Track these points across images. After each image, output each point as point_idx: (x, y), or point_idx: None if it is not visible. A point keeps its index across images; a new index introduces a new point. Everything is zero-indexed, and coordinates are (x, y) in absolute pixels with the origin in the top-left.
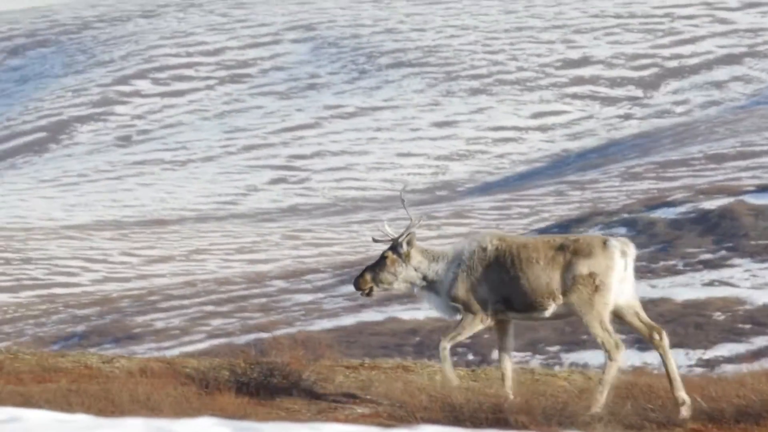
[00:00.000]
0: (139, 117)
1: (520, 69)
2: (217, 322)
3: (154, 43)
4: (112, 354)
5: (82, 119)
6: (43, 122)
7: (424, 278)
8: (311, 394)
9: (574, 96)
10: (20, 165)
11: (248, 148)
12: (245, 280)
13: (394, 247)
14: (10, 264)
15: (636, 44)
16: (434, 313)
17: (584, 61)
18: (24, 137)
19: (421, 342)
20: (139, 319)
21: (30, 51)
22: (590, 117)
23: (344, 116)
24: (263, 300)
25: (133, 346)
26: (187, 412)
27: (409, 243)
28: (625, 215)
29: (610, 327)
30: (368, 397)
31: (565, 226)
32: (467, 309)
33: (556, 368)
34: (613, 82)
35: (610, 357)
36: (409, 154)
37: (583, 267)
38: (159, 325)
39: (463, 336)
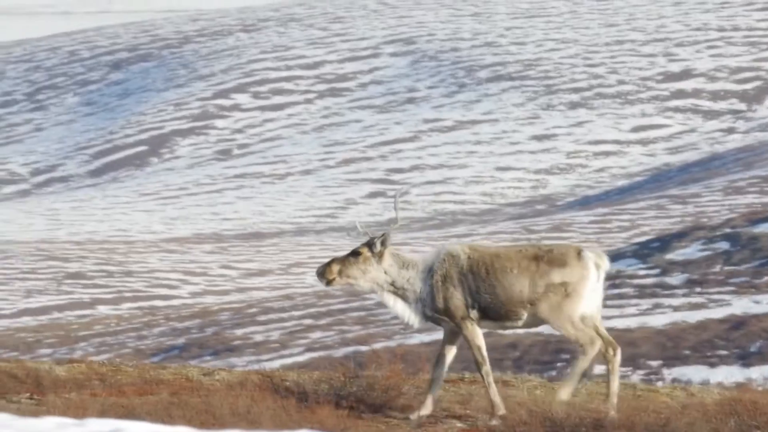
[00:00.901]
0: (239, 131)
1: (621, 82)
2: (315, 335)
3: (254, 57)
4: (212, 366)
5: (183, 133)
6: (144, 136)
7: (392, 283)
8: (410, 408)
9: (676, 110)
10: (122, 178)
11: (347, 162)
12: (344, 293)
13: (370, 244)
14: (112, 277)
15: (739, 57)
16: (534, 328)
17: (686, 75)
18: (126, 151)
19: (520, 357)
20: (238, 331)
21: (132, 65)
22: (692, 131)
23: (443, 130)
24: (362, 313)
25: (232, 359)
26: (286, 425)
27: (383, 243)
28: (728, 230)
29: (580, 324)
30: (468, 411)
31: (665, 240)
32: (453, 318)
33: (658, 384)
34: (716, 96)
35: (584, 351)
36: (508, 168)
37: (556, 276)
38: (258, 338)
39: (484, 348)
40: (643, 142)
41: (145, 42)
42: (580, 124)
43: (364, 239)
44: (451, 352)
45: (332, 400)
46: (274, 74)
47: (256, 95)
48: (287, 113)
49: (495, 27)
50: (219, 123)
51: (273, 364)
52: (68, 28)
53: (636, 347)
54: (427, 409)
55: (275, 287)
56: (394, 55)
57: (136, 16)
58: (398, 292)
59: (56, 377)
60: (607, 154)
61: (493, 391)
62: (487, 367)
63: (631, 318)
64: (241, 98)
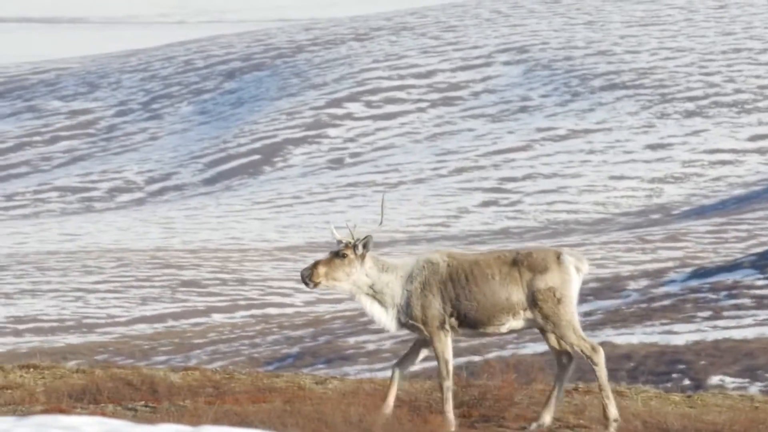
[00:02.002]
0: (351, 140)
1: (738, 91)
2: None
3: (367, 66)
4: (325, 375)
5: (296, 142)
6: (257, 145)
7: (372, 286)
8: (524, 418)
9: None
10: (236, 187)
11: (459, 171)
12: None
13: (353, 246)
14: (226, 285)
15: None
16: (648, 338)
17: None
18: (239, 159)
19: (635, 367)
20: (351, 340)
21: (245, 75)
22: None
23: (556, 139)
24: None
25: (345, 367)
26: None
27: (365, 246)
28: None
29: (582, 333)
30: (582, 421)
31: None
32: (427, 325)
33: None
34: None
35: (592, 362)
36: (622, 177)
37: (540, 282)
38: (370, 347)
39: (451, 363)
40: (761, 151)
41: (258, 51)
42: (695, 133)
43: (347, 240)
44: (414, 361)
45: None
46: (386, 83)
47: (368, 104)
48: (399, 122)
49: (609, 35)
50: (331, 132)
51: (385, 373)
52: (183, 38)
53: (754, 358)
54: (387, 407)
55: None
56: (507, 63)
57: (249, 26)
58: (376, 296)
59: (171, 384)
60: (723, 163)
61: (449, 407)
62: (449, 383)
63: (749, 329)
64: (354, 107)
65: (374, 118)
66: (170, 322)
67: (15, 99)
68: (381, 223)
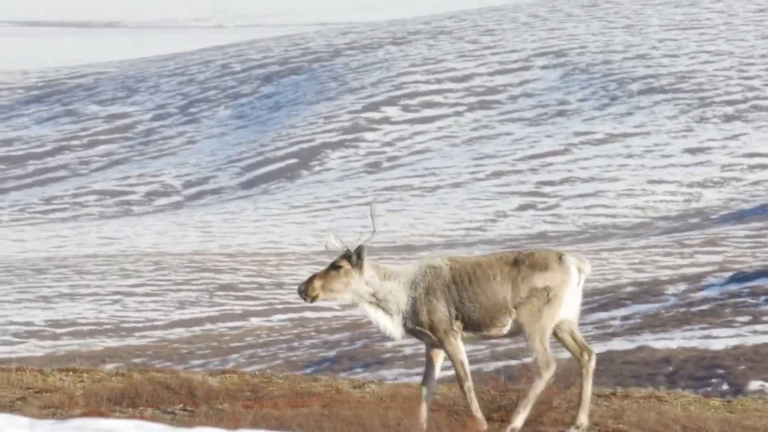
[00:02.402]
0: (389, 143)
1: None
2: (466, 348)
3: (404, 70)
4: (363, 379)
5: (333, 146)
6: (295, 149)
7: (374, 294)
8: (562, 422)
9: None
10: (273, 191)
11: (497, 175)
12: None
13: (348, 257)
14: (263, 288)
15: None
16: (687, 343)
17: None
18: (277, 163)
19: (674, 372)
20: (389, 344)
21: (283, 78)
22: None
23: (594, 143)
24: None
25: (382, 372)
26: None
27: (359, 255)
28: None
29: (547, 344)
30: (620, 426)
31: None
32: (435, 331)
33: None
34: None
35: (539, 373)
36: (660, 181)
37: (538, 280)
38: (408, 351)
39: (467, 363)
40: None
41: (296, 55)
42: (735, 137)
43: (342, 251)
44: (436, 372)
45: (483, 413)
46: (424, 87)
47: (406, 108)
48: (437, 126)
49: (647, 39)
50: (369, 136)
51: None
52: (221, 42)
53: None
54: (421, 417)
55: None
56: (545, 67)
57: (287, 30)
58: (380, 303)
59: (209, 388)
60: (763, 167)
61: (475, 406)
62: (469, 383)
63: None
64: (391, 111)
65: (412, 122)
66: (208, 326)
67: (53, 103)
68: (374, 231)
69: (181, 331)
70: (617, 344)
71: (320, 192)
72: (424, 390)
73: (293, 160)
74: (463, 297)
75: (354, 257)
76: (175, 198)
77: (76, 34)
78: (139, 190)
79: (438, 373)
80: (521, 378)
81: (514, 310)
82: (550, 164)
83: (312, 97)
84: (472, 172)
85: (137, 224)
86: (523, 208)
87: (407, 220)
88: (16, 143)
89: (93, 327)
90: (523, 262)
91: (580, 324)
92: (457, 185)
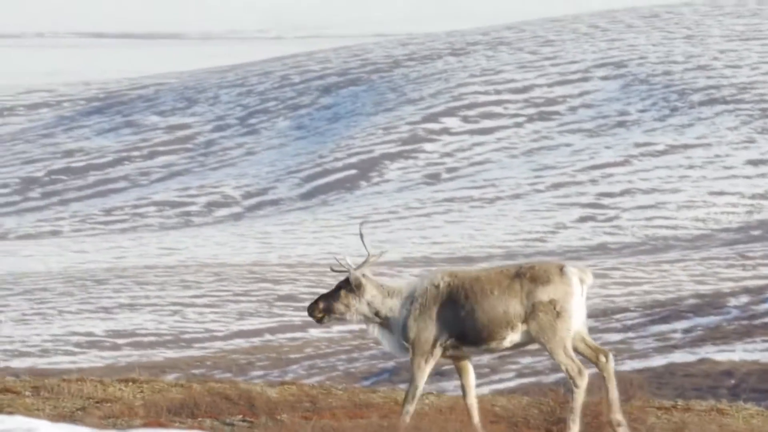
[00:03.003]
0: (448, 155)
1: None
2: (526, 360)
3: (463, 81)
4: (422, 391)
5: (392, 157)
6: (353, 160)
7: (377, 313)
8: None
9: None
10: (332, 202)
11: (556, 186)
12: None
13: (348, 279)
14: None
15: None
16: (749, 355)
17: None
18: (335, 174)
19: (736, 384)
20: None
21: (342, 90)
22: None
23: (654, 154)
24: None
25: (442, 383)
26: None
27: (356, 278)
28: None
29: (572, 353)
30: None
31: None
32: (415, 348)
33: None
34: None
35: (574, 383)
36: (722, 193)
37: (542, 294)
38: None
39: (420, 390)
40: None
41: (355, 66)
42: None
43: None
44: (470, 379)
45: (542, 425)
46: (483, 98)
47: (465, 119)
48: (496, 137)
49: (708, 50)
50: (428, 147)
51: (482, 389)
52: (280, 53)
53: None
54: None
55: None
56: (604, 78)
57: (346, 41)
58: (383, 322)
59: (268, 399)
60: None
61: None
62: (411, 408)
63: None
64: (450, 122)
65: (471, 133)
66: (267, 337)
67: (114, 114)
68: (369, 253)
69: (240, 342)
70: (678, 357)
71: (379, 203)
72: (468, 401)
73: (352, 171)
74: (458, 313)
75: (352, 279)
76: (235, 209)
77: (138, 46)
78: (199, 201)
79: (473, 380)
80: None
81: (518, 324)
82: (610, 175)
83: (371, 109)
84: (532, 184)
85: (197, 235)
86: (583, 219)
87: (466, 231)
88: (77, 154)
89: (153, 338)
90: (524, 276)
91: (641, 336)
92: (516, 196)
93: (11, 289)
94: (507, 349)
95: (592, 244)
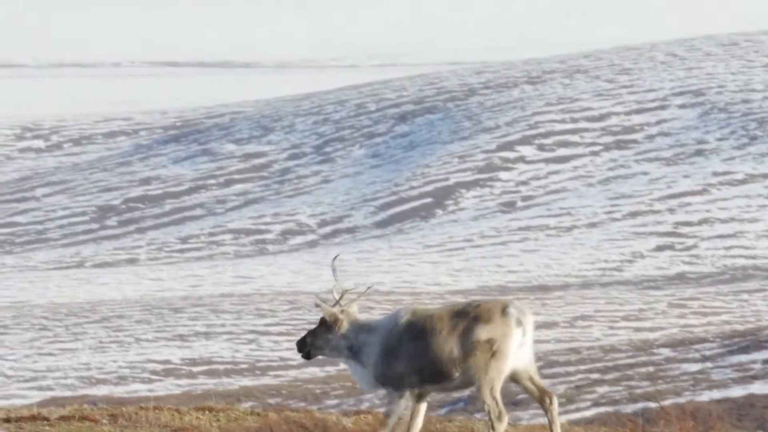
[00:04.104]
0: (524, 183)
1: None
2: (602, 389)
3: (539, 109)
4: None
5: (468, 185)
6: (429, 188)
7: (350, 348)
8: None
9: None
10: (407, 230)
11: (633, 215)
12: (631, 348)
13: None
14: None
15: None
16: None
17: None
18: (411, 203)
19: None
20: None
21: (417, 118)
22: None
23: (733, 183)
24: (650, 369)
25: (517, 412)
26: None
27: (330, 315)
28: None
29: (498, 396)
30: None
31: None
32: (387, 385)
33: None
34: None
35: (492, 426)
36: None
37: (482, 333)
38: None
39: (392, 421)
40: None
41: (430, 94)
42: None
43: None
44: (418, 416)
45: None
46: (559, 126)
47: (541, 147)
48: (572, 165)
49: None
50: (503, 175)
51: (560, 418)
52: (355, 82)
53: None
54: None
55: (560, 340)
56: (682, 107)
57: (422, 69)
58: (356, 357)
59: (344, 428)
60: None
61: None
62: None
63: None
64: (526, 150)
65: (547, 161)
66: (342, 366)
67: (190, 143)
68: (341, 289)
69: (315, 371)
70: (758, 387)
71: (455, 231)
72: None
73: (428, 200)
74: (414, 351)
75: (327, 315)
76: (310, 237)
77: (214, 74)
78: (274, 229)
79: (420, 423)
80: (659, 420)
81: (461, 363)
82: (688, 204)
83: (446, 137)
84: (609, 212)
85: (272, 263)
86: (661, 248)
87: (542, 260)
88: (154, 182)
89: (228, 366)
90: (468, 314)
91: (719, 366)
92: (593, 225)
93: (88, 317)
94: (461, 387)
95: (670, 273)
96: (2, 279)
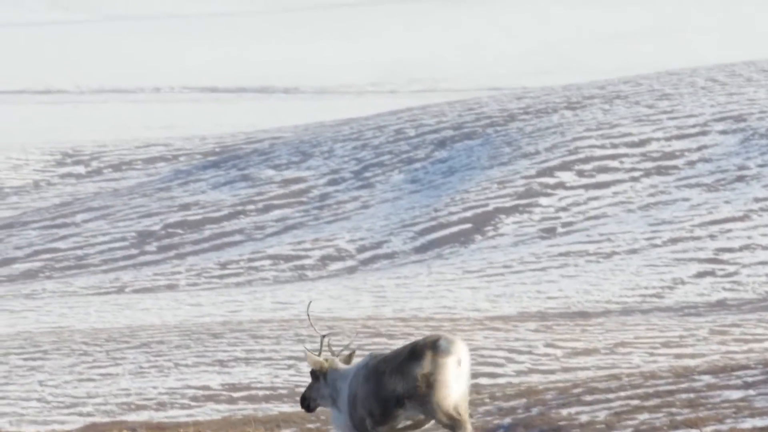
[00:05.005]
0: (563, 209)
1: None
2: (643, 416)
3: (579, 134)
4: None
5: (507, 211)
6: (468, 213)
7: (330, 395)
8: None
9: None
10: (447, 255)
11: (674, 241)
12: (672, 374)
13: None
14: None
15: None
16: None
17: None
18: (450, 228)
19: None
20: (564, 411)
21: (457, 143)
22: None
23: None
24: (691, 395)
25: None
26: None
27: (314, 363)
28: None
29: (455, 412)
30: None
31: None
32: (359, 427)
33: None
34: None
35: None
36: None
37: (417, 368)
38: (584, 418)
39: None
40: None
41: (469, 120)
42: None
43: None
44: None
45: None
46: (599, 152)
47: (580, 173)
48: (612, 191)
49: None
50: (543, 201)
51: None
52: (395, 107)
53: None
54: None
55: (601, 367)
56: (723, 132)
57: (461, 95)
58: (335, 404)
59: None
60: None
61: None
62: None
63: None
64: (566, 176)
65: (586, 187)
66: None
67: (230, 168)
68: (320, 336)
69: None
70: None
71: (494, 257)
72: None
73: (467, 225)
74: (365, 393)
75: (310, 365)
76: (349, 262)
77: (253, 100)
78: (313, 255)
79: None
80: None
81: (407, 401)
82: (729, 231)
83: (486, 162)
84: (649, 238)
85: (311, 289)
86: (702, 275)
87: (582, 287)
88: (193, 208)
89: (268, 392)
90: (404, 353)
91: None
92: (633, 251)
93: (128, 342)
94: (412, 428)
95: (711, 300)
96: (42, 304)
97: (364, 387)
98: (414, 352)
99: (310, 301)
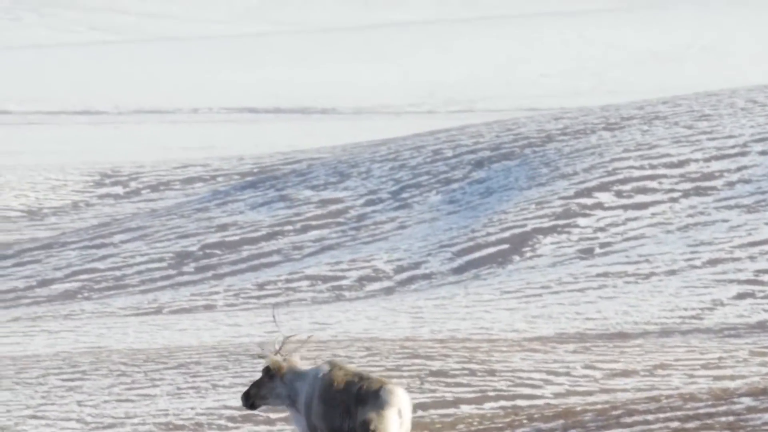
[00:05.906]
0: (601, 229)
1: None
2: None
3: (617, 155)
4: None
5: (545, 231)
6: (506, 234)
7: (288, 396)
8: None
9: None
10: (484, 276)
11: (713, 262)
12: (711, 396)
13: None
14: (475, 375)
15: None
16: None
17: None
18: (488, 249)
19: None
20: None
21: (494, 164)
22: None
23: None
24: (730, 418)
25: None
26: None
27: (273, 363)
28: None
29: None
30: None
31: None
32: None
33: None
34: None
35: None
36: None
37: (360, 414)
38: None
39: None
40: None
41: (507, 141)
42: None
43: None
44: None
45: None
46: (637, 173)
47: (618, 194)
48: (651, 212)
49: None
50: (581, 221)
51: None
52: (432, 127)
53: None
54: None
55: (640, 389)
56: (763, 153)
57: (499, 115)
58: (294, 404)
59: None
60: None
61: None
62: None
63: None
64: (604, 197)
65: (625, 207)
66: (419, 413)
67: (267, 189)
68: (282, 337)
69: None
70: None
71: (532, 278)
72: None
73: (505, 246)
74: (315, 410)
75: (267, 363)
76: (387, 283)
77: (291, 121)
78: (350, 275)
79: None
80: None
81: None
82: None
83: (524, 183)
84: (688, 259)
85: (349, 309)
86: (741, 296)
87: (621, 308)
88: (231, 228)
89: None
90: (352, 393)
91: None
92: (672, 272)
93: (166, 363)
94: None
95: (751, 321)
96: (81, 325)
97: (318, 404)
98: (359, 398)
99: (275, 304)
